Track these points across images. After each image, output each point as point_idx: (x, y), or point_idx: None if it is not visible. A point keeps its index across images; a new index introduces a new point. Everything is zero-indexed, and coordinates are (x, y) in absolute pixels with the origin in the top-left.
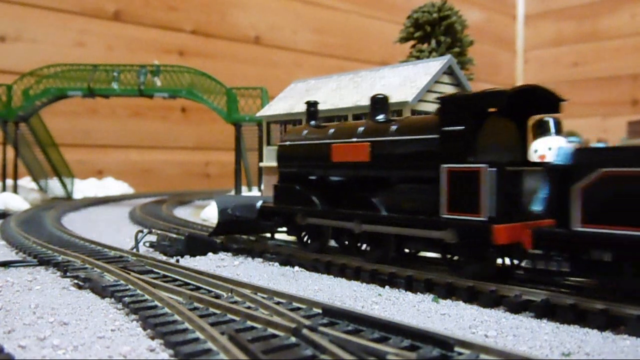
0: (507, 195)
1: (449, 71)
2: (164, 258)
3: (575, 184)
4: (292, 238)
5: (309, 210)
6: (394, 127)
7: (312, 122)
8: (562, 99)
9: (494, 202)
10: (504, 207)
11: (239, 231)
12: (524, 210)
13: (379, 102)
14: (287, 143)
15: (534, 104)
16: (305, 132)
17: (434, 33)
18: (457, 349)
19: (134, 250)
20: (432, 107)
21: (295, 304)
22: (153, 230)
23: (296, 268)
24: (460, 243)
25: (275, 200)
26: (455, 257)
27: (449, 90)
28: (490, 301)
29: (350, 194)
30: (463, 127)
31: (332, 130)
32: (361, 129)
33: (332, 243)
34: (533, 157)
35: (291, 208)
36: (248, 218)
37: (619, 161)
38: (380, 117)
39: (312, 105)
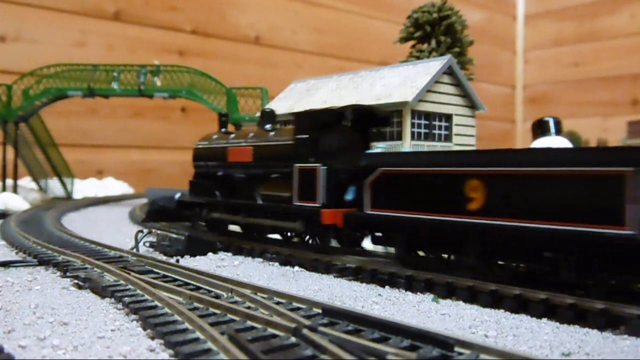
0: (333, 188)
1: (449, 71)
2: (164, 258)
3: (366, 179)
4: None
5: (212, 201)
6: (271, 134)
7: (222, 130)
8: (389, 116)
9: (324, 193)
10: (331, 196)
11: (166, 219)
12: (344, 199)
13: (267, 115)
14: (200, 146)
15: (372, 120)
16: (214, 137)
17: (434, 33)
18: (457, 349)
19: (134, 250)
20: (432, 107)
21: (295, 304)
22: (153, 230)
23: (296, 268)
24: (304, 224)
25: (190, 193)
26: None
27: (449, 90)
28: (490, 301)
29: (240, 188)
30: (308, 136)
31: (232, 136)
32: (250, 135)
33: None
34: None
35: (201, 199)
36: (170, 208)
37: (391, 163)
38: (267, 126)
39: (223, 115)
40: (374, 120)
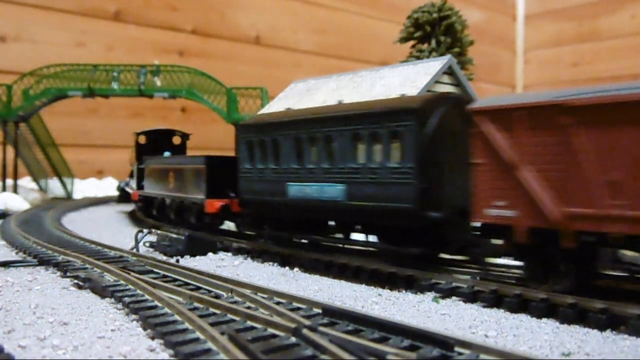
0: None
1: (449, 71)
2: (164, 258)
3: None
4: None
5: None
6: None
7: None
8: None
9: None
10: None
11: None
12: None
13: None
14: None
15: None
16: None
17: (434, 33)
18: (457, 349)
19: (134, 250)
20: None
21: (295, 304)
22: (153, 230)
23: (296, 268)
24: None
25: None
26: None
27: (449, 90)
28: (490, 301)
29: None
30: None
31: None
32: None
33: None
34: None
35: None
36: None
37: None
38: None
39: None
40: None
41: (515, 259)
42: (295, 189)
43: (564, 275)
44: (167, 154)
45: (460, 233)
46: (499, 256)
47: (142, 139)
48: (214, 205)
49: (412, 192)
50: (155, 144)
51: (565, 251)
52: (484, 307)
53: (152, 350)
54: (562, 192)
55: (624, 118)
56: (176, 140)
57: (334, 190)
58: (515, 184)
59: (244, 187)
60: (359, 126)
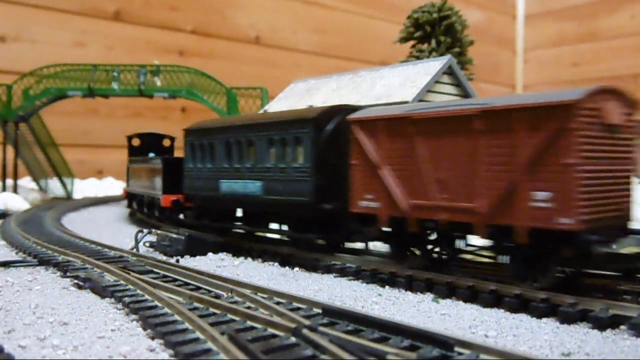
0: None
1: (449, 71)
2: (164, 258)
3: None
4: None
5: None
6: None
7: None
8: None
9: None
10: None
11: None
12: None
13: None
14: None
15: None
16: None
17: (434, 33)
18: (457, 349)
19: (134, 250)
20: None
21: (295, 304)
22: (153, 231)
23: (296, 268)
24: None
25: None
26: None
27: (450, 90)
28: (490, 301)
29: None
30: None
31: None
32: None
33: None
34: None
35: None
36: None
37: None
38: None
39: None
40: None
41: (383, 243)
42: (226, 186)
43: (419, 256)
44: (151, 154)
45: (349, 222)
46: (373, 240)
47: (135, 142)
48: (168, 199)
49: (310, 187)
50: (146, 146)
51: (413, 235)
52: (484, 307)
53: (152, 350)
54: (408, 188)
55: (446, 129)
56: (166, 142)
57: (254, 187)
58: (379, 181)
59: (187, 184)
60: (272, 132)
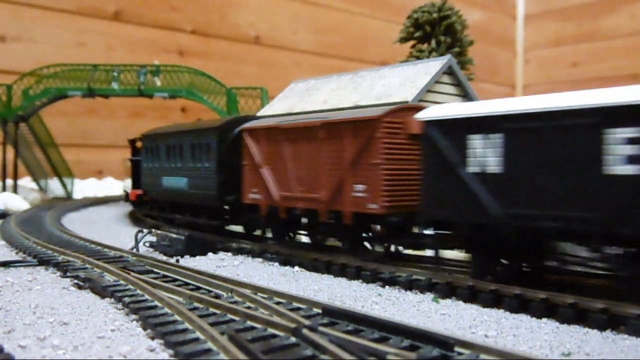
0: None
1: (449, 71)
2: (164, 258)
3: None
4: None
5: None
6: None
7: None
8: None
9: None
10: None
11: None
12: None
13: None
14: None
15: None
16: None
17: (434, 33)
18: (457, 349)
19: (134, 250)
20: None
21: (295, 304)
22: (153, 231)
23: (296, 268)
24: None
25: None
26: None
27: (450, 90)
28: (490, 301)
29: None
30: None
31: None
32: None
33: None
34: None
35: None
36: None
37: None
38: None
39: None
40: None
41: (266, 227)
42: (166, 181)
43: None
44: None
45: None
46: (261, 227)
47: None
48: (134, 194)
49: (214, 184)
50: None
51: (279, 220)
52: (484, 307)
53: (152, 350)
54: (279, 183)
55: (302, 137)
56: None
57: (182, 183)
58: (260, 178)
59: (143, 181)
60: (192, 139)
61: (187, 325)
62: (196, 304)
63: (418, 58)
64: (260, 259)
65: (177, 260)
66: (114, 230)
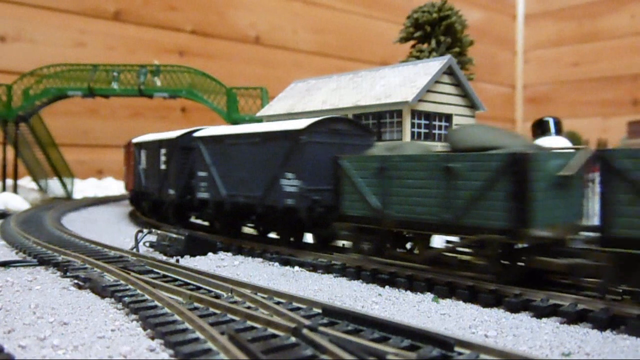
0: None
1: (449, 71)
2: (164, 258)
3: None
4: None
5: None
6: None
7: None
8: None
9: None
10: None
11: None
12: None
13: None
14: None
15: None
16: None
17: (434, 33)
18: (457, 349)
19: (134, 250)
20: (432, 107)
21: (295, 304)
22: (153, 230)
23: (296, 268)
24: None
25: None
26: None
27: (449, 90)
28: (490, 301)
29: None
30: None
31: None
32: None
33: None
34: None
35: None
36: None
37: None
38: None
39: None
40: None
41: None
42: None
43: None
44: None
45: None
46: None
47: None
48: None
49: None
50: None
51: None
52: (484, 307)
53: (152, 350)
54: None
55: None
56: None
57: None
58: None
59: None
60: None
61: (187, 325)
62: (196, 304)
63: (418, 58)
64: (260, 259)
65: (177, 260)
66: (114, 230)
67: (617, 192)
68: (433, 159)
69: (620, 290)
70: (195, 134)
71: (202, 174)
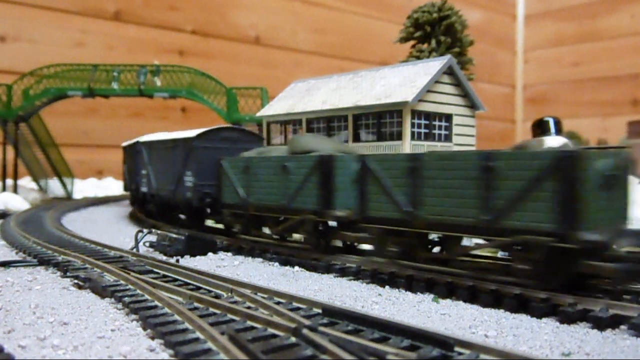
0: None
1: (449, 71)
2: (164, 258)
3: None
4: None
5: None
6: None
7: None
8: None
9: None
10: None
11: None
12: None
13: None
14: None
15: None
16: None
17: (434, 33)
18: (457, 349)
19: (134, 250)
20: (432, 107)
21: (295, 304)
22: (153, 230)
23: (296, 268)
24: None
25: None
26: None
27: (449, 90)
28: (490, 301)
29: None
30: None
31: None
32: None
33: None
34: None
35: None
36: None
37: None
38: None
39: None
40: None
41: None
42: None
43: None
44: None
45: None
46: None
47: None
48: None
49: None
50: None
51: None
52: (484, 307)
53: (152, 350)
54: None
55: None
56: None
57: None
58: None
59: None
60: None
61: (187, 325)
62: (196, 304)
63: (418, 58)
64: (260, 259)
65: (177, 260)
66: (114, 230)
67: None
68: (276, 160)
69: None
70: (140, 140)
71: (143, 171)
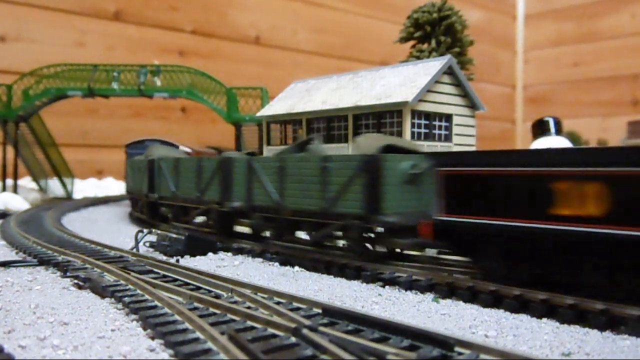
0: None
1: (449, 71)
2: (164, 258)
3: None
4: None
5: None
6: None
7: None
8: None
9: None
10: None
11: None
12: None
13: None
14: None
15: None
16: None
17: (434, 33)
18: (457, 349)
19: (134, 250)
20: (432, 107)
21: (295, 304)
22: (153, 230)
23: (296, 268)
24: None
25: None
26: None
27: (449, 90)
28: (490, 301)
29: None
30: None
31: None
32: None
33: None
34: None
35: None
36: None
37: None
38: None
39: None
40: None
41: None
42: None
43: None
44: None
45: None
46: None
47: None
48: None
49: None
50: None
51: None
52: (484, 307)
53: (152, 350)
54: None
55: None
56: None
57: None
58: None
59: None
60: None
61: (187, 325)
62: (196, 304)
63: (418, 58)
64: (260, 259)
65: (177, 260)
66: (114, 230)
67: None
68: (143, 161)
69: None
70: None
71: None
